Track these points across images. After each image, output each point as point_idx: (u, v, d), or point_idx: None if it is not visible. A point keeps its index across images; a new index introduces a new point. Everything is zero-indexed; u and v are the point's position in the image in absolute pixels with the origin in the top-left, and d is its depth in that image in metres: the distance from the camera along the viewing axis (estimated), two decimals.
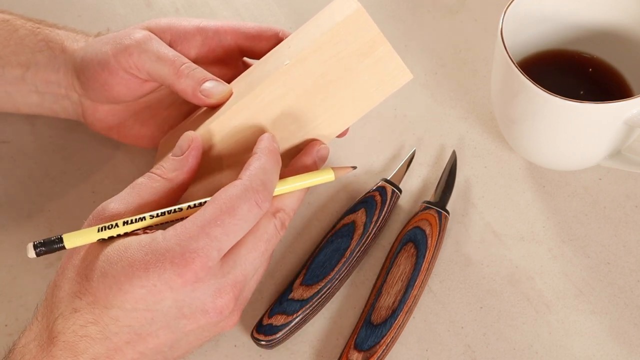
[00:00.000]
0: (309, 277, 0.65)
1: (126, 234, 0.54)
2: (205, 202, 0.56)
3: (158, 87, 0.67)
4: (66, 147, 0.75)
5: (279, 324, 0.64)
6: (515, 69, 0.63)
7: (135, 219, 0.55)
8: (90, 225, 0.55)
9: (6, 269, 0.69)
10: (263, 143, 0.58)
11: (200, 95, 0.62)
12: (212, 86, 0.62)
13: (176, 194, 0.57)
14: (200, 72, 0.63)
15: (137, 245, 0.53)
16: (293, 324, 0.64)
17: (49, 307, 0.54)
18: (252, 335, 0.64)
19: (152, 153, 0.72)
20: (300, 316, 0.64)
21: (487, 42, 0.79)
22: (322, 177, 0.60)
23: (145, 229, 0.55)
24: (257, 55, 0.68)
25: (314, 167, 0.61)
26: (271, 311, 0.64)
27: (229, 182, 0.63)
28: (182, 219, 0.55)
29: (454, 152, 0.72)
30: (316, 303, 0.65)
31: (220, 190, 0.54)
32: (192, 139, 0.58)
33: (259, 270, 0.58)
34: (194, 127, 0.63)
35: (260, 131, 0.61)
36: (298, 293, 0.65)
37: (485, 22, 0.81)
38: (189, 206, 0.56)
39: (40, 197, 0.72)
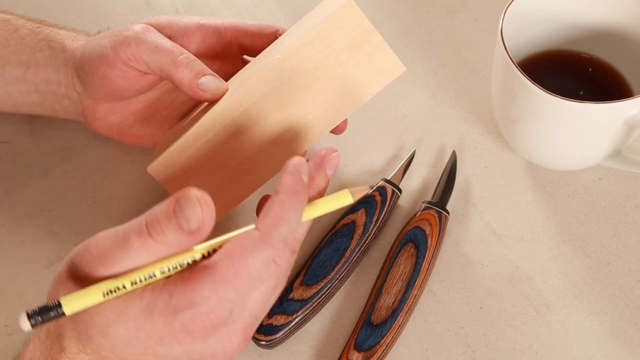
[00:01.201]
0: (309, 277, 0.65)
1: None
2: (215, 250, 0.50)
3: (157, 83, 0.67)
4: (66, 147, 0.75)
5: (279, 324, 0.64)
6: (515, 69, 0.63)
7: (145, 278, 0.49)
8: (68, 268, 0.49)
9: (6, 269, 0.69)
10: (287, 179, 0.52)
11: (197, 88, 0.62)
12: (209, 81, 0.62)
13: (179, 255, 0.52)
14: (199, 64, 0.62)
15: (138, 306, 0.48)
16: (293, 324, 0.64)
17: (53, 344, 0.51)
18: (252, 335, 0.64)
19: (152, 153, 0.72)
20: (300, 316, 0.64)
21: (487, 42, 0.79)
22: (340, 201, 0.54)
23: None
24: (257, 53, 0.68)
25: (326, 186, 0.57)
26: (271, 311, 0.64)
27: (223, 179, 0.63)
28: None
29: (454, 152, 0.72)
30: (316, 303, 0.65)
31: (234, 242, 0.49)
32: (205, 223, 0.49)
33: (271, 300, 0.54)
34: (191, 126, 0.63)
35: (254, 126, 0.61)
36: (298, 293, 0.65)
37: (485, 22, 0.81)
38: (203, 255, 0.50)
39: (40, 197, 0.72)
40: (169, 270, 0.49)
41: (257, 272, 0.49)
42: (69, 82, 0.68)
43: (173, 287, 0.49)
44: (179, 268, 0.50)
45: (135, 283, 0.48)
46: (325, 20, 0.59)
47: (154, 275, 0.49)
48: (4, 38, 0.69)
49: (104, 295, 0.48)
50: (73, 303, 0.48)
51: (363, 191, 0.55)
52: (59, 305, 0.47)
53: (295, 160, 0.53)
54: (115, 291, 0.48)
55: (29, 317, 0.47)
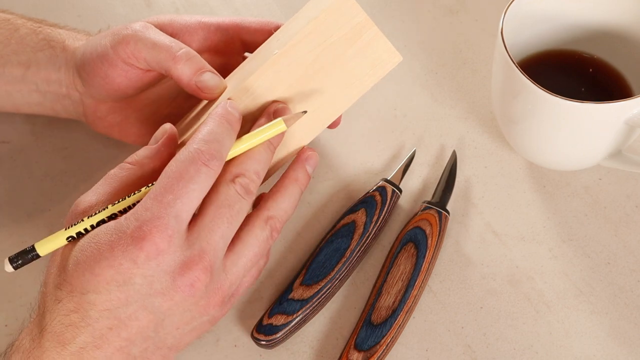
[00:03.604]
0: (309, 277, 0.65)
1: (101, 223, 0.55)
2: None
3: (159, 80, 0.67)
4: (66, 147, 0.75)
5: (279, 324, 0.64)
6: (516, 69, 0.63)
7: (98, 211, 0.55)
8: (68, 221, 0.56)
9: None
10: (215, 110, 0.57)
11: (195, 85, 0.62)
12: (208, 78, 0.62)
13: (147, 181, 0.57)
14: (199, 60, 0.62)
15: (104, 230, 0.53)
16: (293, 324, 0.64)
17: (39, 303, 0.55)
18: (252, 335, 0.64)
19: None
20: (300, 316, 0.64)
21: (487, 42, 0.79)
22: (273, 129, 0.58)
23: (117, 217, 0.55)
24: None
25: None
26: (271, 311, 0.64)
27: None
28: None
29: (454, 152, 0.72)
30: (316, 303, 0.65)
31: (169, 162, 0.55)
32: (166, 129, 0.59)
33: (244, 251, 0.57)
34: (190, 127, 0.63)
35: (253, 123, 0.61)
36: (298, 293, 0.65)
37: (485, 22, 0.81)
38: (146, 186, 0.56)
39: (40, 197, 0.72)
40: (119, 201, 0.55)
41: (189, 173, 0.53)
42: (69, 82, 0.68)
43: (118, 223, 0.53)
44: (126, 198, 0.55)
45: (90, 216, 0.55)
46: (321, 14, 0.59)
47: (106, 207, 0.55)
48: (5, 37, 0.68)
49: (65, 229, 0.55)
50: (45, 245, 0.55)
51: (297, 117, 0.58)
52: (34, 249, 0.56)
53: (225, 101, 0.58)
54: (74, 225, 0.55)
55: (11, 261, 0.55)
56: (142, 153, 0.58)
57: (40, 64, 0.68)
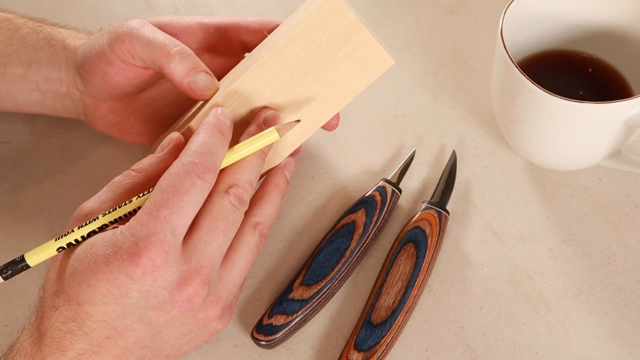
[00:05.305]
0: (309, 277, 0.65)
1: (93, 234, 0.55)
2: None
3: (158, 79, 0.67)
4: (66, 147, 0.75)
5: (279, 324, 0.64)
6: (515, 69, 0.63)
7: (89, 221, 0.55)
8: (71, 226, 0.56)
9: None
10: (206, 118, 0.57)
11: (187, 86, 0.62)
12: (200, 79, 0.61)
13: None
14: (194, 59, 0.62)
15: (101, 241, 0.53)
16: (293, 324, 0.64)
17: (38, 306, 0.55)
18: (252, 335, 0.64)
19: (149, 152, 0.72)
20: (300, 316, 0.64)
21: (487, 42, 0.79)
22: (266, 139, 0.57)
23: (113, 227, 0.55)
24: None
25: (259, 132, 0.60)
26: (271, 311, 0.64)
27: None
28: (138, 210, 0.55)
29: (454, 152, 0.72)
30: (316, 303, 0.65)
31: (163, 174, 0.54)
32: (173, 138, 0.58)
33: (238, 259, 0.57)
34: (184, 128, 0.63)
35: (244, 125, 0.61)
36: (298, 293, 0.65)
37: (485, 22, 0.81)
38: (137, 196, 0.56)
39: (40, 197, 0.72)
40: (110, 212, 0.55)
41: (184, 187, 0.53)
42: (70, 81, 0.68)
43: (124, 224, 0.54)
44: (117, 209, 0.55)
45: (81, 227, 0.55)
46: (310, 16, 0.58)
47: (97, 218, 0.55)
48: (6, 37, 0.69)
49: (55, 239, 0.55)
50: (35, 256, 0.55)
51: (290, 126, 0.58)
52: (23, 259, 0.55)
53: (215, 108, 0.58)
54: (64, 236, 0.55)
55: (0, 272, 0.55)
56: (148, 161, 0.57)
57: (41, 63, 0.68)
